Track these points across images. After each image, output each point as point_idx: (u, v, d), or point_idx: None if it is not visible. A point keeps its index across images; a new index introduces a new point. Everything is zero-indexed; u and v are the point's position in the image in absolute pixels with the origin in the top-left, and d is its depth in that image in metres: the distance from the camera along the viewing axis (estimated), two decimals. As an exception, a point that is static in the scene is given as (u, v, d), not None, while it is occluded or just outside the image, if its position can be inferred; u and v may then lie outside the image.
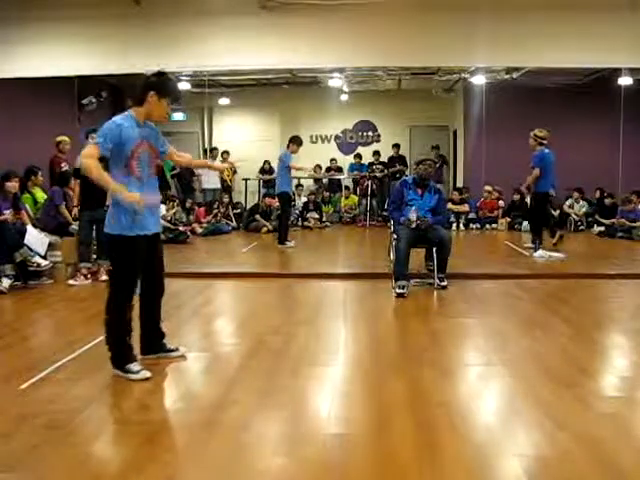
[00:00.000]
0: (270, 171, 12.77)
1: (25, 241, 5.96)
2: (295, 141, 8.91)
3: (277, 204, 9.88)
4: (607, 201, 10.94)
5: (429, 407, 2.95)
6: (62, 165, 8.26)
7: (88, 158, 3.21)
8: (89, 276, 6.28)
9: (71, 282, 6.19)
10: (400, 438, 2.61)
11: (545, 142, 8.11)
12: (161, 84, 3.40)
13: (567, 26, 7.55)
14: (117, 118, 3.35)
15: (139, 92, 3.40)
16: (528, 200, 9.16)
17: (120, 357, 3.40)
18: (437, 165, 12.76)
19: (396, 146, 13.19)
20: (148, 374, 3.36)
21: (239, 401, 3.06)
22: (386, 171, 12.92)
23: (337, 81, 11.53)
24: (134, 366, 3.37)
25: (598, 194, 11.38)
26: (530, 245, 8.38)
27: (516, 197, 11.37)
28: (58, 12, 7.67)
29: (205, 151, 13.21)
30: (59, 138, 8.55)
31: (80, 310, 5.27)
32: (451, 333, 4.41)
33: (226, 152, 13.03)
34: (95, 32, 7.81)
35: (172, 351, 3.75)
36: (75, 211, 6.70)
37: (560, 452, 2.46)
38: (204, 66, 9.03)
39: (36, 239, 6.15)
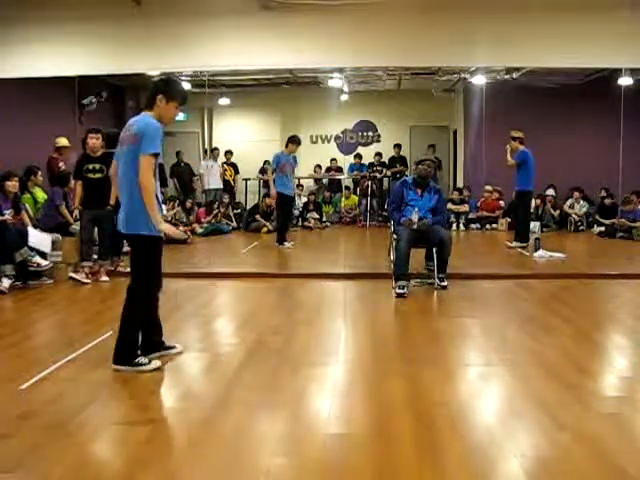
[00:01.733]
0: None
1: (29, 243, 5.96)
2: (293, 141, 8.91)
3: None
4: (607, 201, 10.93)
5: (429, 407, 2.95)
6: (60, 165, 8.28)
7: (148, 175, 3.27)
8: (90, 275, 6.28)
9: (72, 275, 6.18)
10: (400, 438, 2.61)
11: (523, 141, 8.33)
12: (169, 87, 3.46)
13: (567, 26, 7.54)
14: (153, 120, 3.37)
15: (148, 96, 3.45)
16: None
17: (131, 352, 3.46)
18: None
19: (397, 146, 13.19)
20: (159, 363, 3.50)
21: (239, 401, 3.06)
22: (384, 170, 12.91)
23: (337, 81, 11.53)
24: (142, 359, 3.46)
25: (603, 193, 11.35)
26: (514, 244, 8.50)
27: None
28: (58, 12, 7.66)
29: (205, 151, 13.21)
30: (61, 143, 8.57)
31: (80, 310, 5.28)
32: (451, 333, 4.41)
33: (229, 152, 13.05)
34: (95, 32, 7.80)
35: (172, 348, 3.81)
36: (76, 212, 6.70)
37: (560, 452, 2.46)
38: (204, 66, 9.03)
39: (39, 239, 6.15)
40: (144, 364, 3.44)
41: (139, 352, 3.52)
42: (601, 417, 2.82)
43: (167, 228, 3.45)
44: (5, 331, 4.42)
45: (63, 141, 8.61)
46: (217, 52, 8.04)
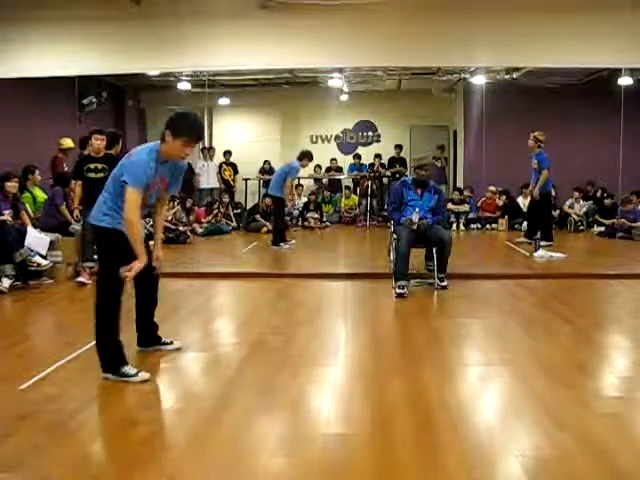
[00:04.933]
0: (270, 171, 12.77)
1: (26, 243, 5.96)
2: (309, 156, 8.99)
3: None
4: (607, 201, 10.94)
5: (429, 407, 2.95)
6: (64, 165, 8.30)
7: (134, 211, 3.22)
8: (91, 275, 6.27)
9: (81, 279, 6.15)
10: (400, 438, 2.61)
11: (543, 145, 8.42)
12: (176, 123, 3.33)
13: (567, 26, 7.54)
14: (145, 155, 3.32)
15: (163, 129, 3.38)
16: (525, 202, 9.41)
17: (113, 358, 3.35)
18: (440, 165, 12.82)
19: (398, 147, 13.20)
20: (147, 375, 3.33)
21: (239, 401, 3.06)
22: (383, 171, 12.92)
23: (337, 81, 11.53)
24: (129, 369, 3.32)
25: (599, 193, 11.38)
26: (526, 240, 8.54)
27: (521, 200, 11.31)
28: (58, 12, 7.66)
29: (203, 149, 13.21)
30: (66, 145, 8.58)
31: (80, 310, 5.26)
32: (451, 333, 4.40)
33: (228, 152, 13.06)
34: (95, 32, 7.80)
35: (168, 344, 3.84)
36: (76, 212, 6.70)
37: (560, 452, 2.46)
38: (204, 66, 9.03)
39: (37, 239, 6.15)
40: (131, 375, 3.29)
41: (125, 358, 3.37)
42: (601, 417, 2.82)
43: (139, 264, 3.27)
44: (5, 331, 4.42)
45: (68, 142, 8.63)
46: (217, 52, 8.04)
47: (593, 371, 3.58)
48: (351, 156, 13.58)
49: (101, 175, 6.19)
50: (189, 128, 3.35)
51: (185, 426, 2.78)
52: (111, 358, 3.35)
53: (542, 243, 8.44)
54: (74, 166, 6.45)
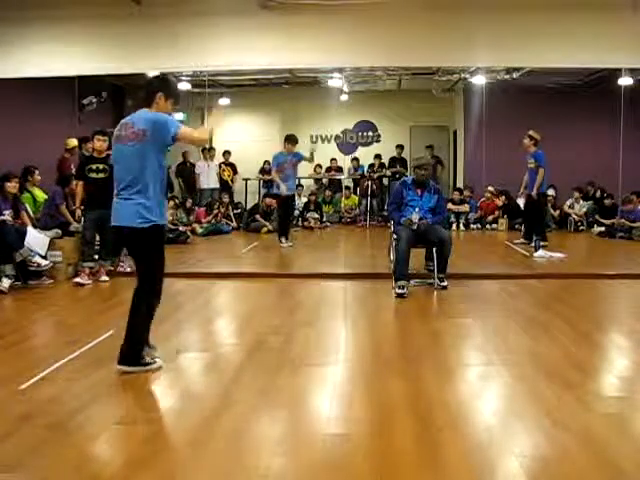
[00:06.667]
0: (270, 171, 12.76)
1: (26, 243, 5.96)
2: (289, 139, 8.93)
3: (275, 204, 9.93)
4: (607, 201, 10.93)
5: (429, 407, 2.95)
6: (71, 166, 8.30)
7: (195, 134, 3.48)
8: (90, 276, 6.27)
9: (78, 280, 6.15)
10: (400, 438, 2.61)
11: (539, 144, 8.46)
12: (167, 86, 3.58)
13: (567, 26, 7.54)
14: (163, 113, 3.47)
15: (145, 94, 3.50)
16: (521, 202, 9.46)
17: (140, 352, 3.46)
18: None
19: (400, 147, 13.20)
20: (161, 362, 3.51)
21: (239, 401, 3.06)
22: (383, 170, 12.94)
23: (337, 81, 11.53)
24: (149, 358, 3.48)
25: (598, 194, 11.41)
26: (524, 241, 8.56)
27: (520, 201, 11.31)
28: (58, 12, 7.66)
29: (203, 150, 13.21)
30: (72, 144, 8.60)
31: (80, 310, 5.28)
32: (451, 333, 4.41)
33: (227, 152, 13.06)
34: (95, 32, 7.80)
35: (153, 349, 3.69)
36: (78, 212, 6.71)
37: (560, 452, 2.46)
38: (204, 66, 9.01)
39: (37, 239, 6.15)
40: (151, 364, 3.46)
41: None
42: (601, 417, 2.82)
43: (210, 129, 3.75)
44: (5, 331, 4.41)
45: (73, 142, 8.65)
46: (217, 52, 8.04)
47: (593, 371, 3.58)
48: (351, 156, 13.58)
49: (102, 175, 6.22)
50: (177, 91, 3.72)
51: (185, 426, 2.78)
52: (138, 352, 3.44)
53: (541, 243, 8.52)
54: (77, 166, 6.47)
